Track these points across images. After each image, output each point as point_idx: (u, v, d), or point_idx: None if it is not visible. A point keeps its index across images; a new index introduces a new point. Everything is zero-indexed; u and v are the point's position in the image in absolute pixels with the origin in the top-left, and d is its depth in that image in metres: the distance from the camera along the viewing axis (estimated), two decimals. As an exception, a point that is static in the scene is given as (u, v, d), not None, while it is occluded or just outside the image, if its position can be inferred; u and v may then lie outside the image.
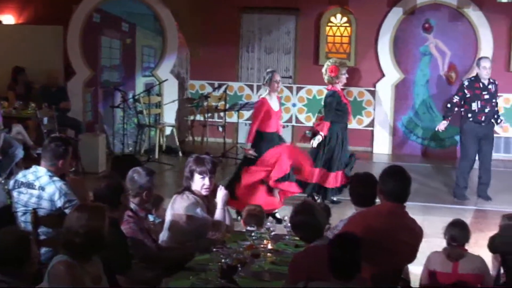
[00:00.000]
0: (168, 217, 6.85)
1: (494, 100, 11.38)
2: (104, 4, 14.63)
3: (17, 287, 4.80)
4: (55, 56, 14.35)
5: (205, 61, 15.98)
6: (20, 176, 6.78)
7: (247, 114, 14.92)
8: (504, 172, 13.30)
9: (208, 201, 6.96)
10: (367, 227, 5.54)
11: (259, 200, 9.65)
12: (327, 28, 15.65)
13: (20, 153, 11.05)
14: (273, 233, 6.62)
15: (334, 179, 10.88)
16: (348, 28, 15.59)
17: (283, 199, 10.23)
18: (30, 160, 10.60)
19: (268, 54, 16.05)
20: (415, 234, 5.81)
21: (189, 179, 6.94)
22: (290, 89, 15.81)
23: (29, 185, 6.62)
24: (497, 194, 11.44)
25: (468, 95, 11.32)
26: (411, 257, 5.81)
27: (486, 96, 11.30)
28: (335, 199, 11.03)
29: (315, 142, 10.80)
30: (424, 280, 6.33)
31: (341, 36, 15.64)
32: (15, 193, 6.71)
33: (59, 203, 6.53)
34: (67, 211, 6.31)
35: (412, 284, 6.43)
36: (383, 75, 15.42)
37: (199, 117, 15.89)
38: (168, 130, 15.01)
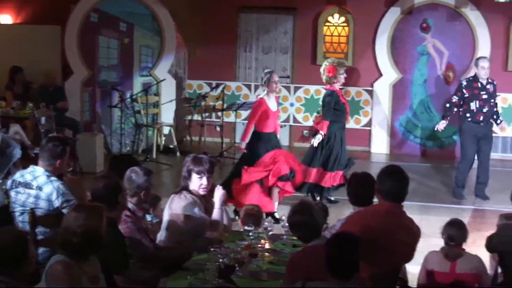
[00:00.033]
0: (165, 217, 6.85)
1: (492, 100, 11.39)
2: (102, 4, 14.61)
3: (15, 287, 4.80)
4: (53, 56, 14.35)
5: (203, 60, 15.98)
6: (18, 176, 6.78)
7: (244, 113, 14.90)
8: (502, 171, 13.30)
9: (205, 200, 6.96)
10: (365, 227, 5.55)
11: (254, 200, 9.66)
12: (325, 27, 15.64)
13: (18, 153, 11.03)
14: (270, 233, 6.63)
15: (332, 179, 10.88)
16: (346, 28, 15.59)
17: (281, 198, 10.23)
18: (27, 160, 10.57)
19: (265, 54, 16.04)
20: (413, 234, 5.82)
21: (186, 179, 6.94)
22: (287, 88, 15.80)
23: (27, 185, 6.62)
24: (495, 193, 11.44)
25: (466, 95, 11.34)
26: (409, 256, 5.82)
27: (485, 96, 11.31)
28: (332, 198, 11.04)
29: (315, 141, 10.79)
30: (422, 279, 6.34)
31: (339, 35, 15.64)
32: (12, 193, 6.71)
33: (56, 203, 6.53)
34: (64, 211, 6.31)
35: (410, 284, 6.43)
36: (380, 75, 15.42)
37: (196, 117, 15.88)
38: (166, 130, 15.00)
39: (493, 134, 11.89)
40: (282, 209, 9.92)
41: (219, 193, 6.94)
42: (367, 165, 13.35)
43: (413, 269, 6.50)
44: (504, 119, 11.82)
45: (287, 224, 6.09)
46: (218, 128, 15.13)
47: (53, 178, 6.62)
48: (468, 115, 11.34)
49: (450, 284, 6.16)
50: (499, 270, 6.54)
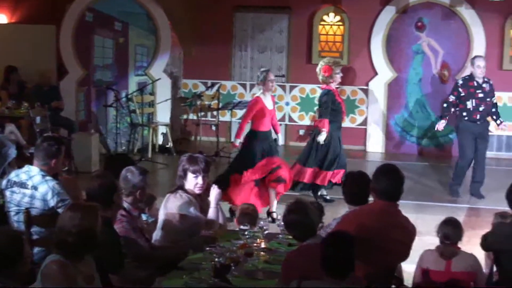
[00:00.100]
0: (161, 216, 6.85)
1: (488, 99, 11.40)
2: (97, 3, 14.59)
3: (10, 287, 4.79)
4: (48, 55, 14.32)
5: (198, 60, 15.99)
6: (13, 175, 6.77)
7: (240, 113, 14.89)
8: (497, 170, 13.31)
9: (201, 200, 6.96)
10: (360, 226, 5.56)
11: (246, 199, 9.69)
12: (320, 27, 15.66)
13: (13, 152, 11.01)
14: (266, 232, 6.62)
15: (329, 177, 10.88)
16: (341, 27, 15.60)
17: (279, 198, 10.25)
18: (23, 160, 10.57)
19: (261, 53, 16.04)
20: (408, 232, 5.83)
21: (182, 178, 6.94)
22: (283, 87, 15.81)
23: (22, 185, 6.62)
24: (490, 192, 11.45)
25: (462, 94, 11.36)
26: (404, 255, 5.83)
27: (481, 95, 11.33)
28: (328, 197, 11.03)
29: (322, 139, 10.78)
30: (417, 278, 6.34)
31: (334, 34, 15.65)
32: (7, 193, 6.70)
33: (52, 203, 6.53)
34: (60, 210, 6.31)
35: (405, 282, 6.44)
36: (376, 74, 15.44)
37: (192, 116, 15.88)
38: (161, 129, 14.99)
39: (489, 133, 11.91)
40: (278, 208, 9.93)
41: (214, 192, 6.95)
42: (362, 164, 13.35)
43: (408, 267, 6.51)
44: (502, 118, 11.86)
45: (282, 223, 6.08)
46: (213, 127, 15.13)
47: (48, 177, 6.62)
48: (464, 114, 11.36)
49: (446, 282, 6.16)
50: (494, 268, 6.55)
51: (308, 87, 15.67)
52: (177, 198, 6.81)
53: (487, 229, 6.81)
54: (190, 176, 6.89)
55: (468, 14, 14.86)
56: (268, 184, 10.19)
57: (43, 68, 13.81)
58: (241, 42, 16.08)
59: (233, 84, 16.12)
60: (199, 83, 16.15)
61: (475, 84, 11.36)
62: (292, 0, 15.66)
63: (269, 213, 10.12)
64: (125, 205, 6.35)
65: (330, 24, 15.62)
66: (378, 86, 15.43)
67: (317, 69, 11.09)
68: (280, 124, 15.16)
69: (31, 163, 6.78)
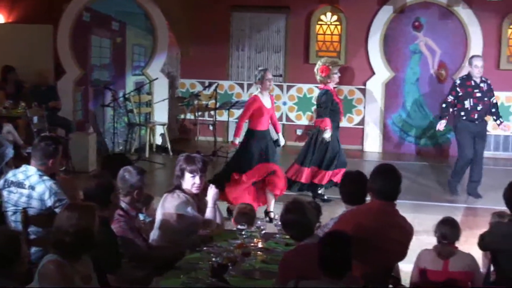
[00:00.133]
0: (158, 216, 6.85)
1: (486, 99, 11.41)
2: (94, 3, 14.58)
3: (7, 287, 4.79)
4: (45, 55, 14.31)
5: (196, 59, 15.99)
6: (10, 175, 6.77)
7: (237, 112, 14.89)
8: (494, 170, 13.31)
9: (198, 199, 6.96)
10: (358, 225, 5.56)
11: (244, 199, 9.68)
12: (317, 26, 15.66)
13: (10, 152, 11.01)
14: (263, 232, 6.63)
15: (329, 177, 10.88)
16: (338, 27, 15.60)
17: (277, 197, 10.25)
18: (20, 159, 10.57)
19: (258, 53, 16.05)
20: (406, 232, 5.83)
21: (179, 178, 6.95)
22: (280, 87, 15.81)
23: (19, 185, 6.61)
24: (487, 192, 11.45)
25: (460, 93, 11.38)
26: (402, 255, 5.83)
27: (478, 94, 11.35)
28: (325, 197, 11.03)
29: (327, 136, 10.80)
30: (415, 278, 6.33)
31: (331, 34, 15.66)
32: (5, 193, 6.70)
33: (49, 202, 6.53)
34: (57, 210, 6.31)
35: (402, 282, 6.43)
36: (373, 73, 15.45)
37: (189, 116, 15.88)
38: (158, 129, 14.99)
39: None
40: (275, 208, 9.93)
41: (212, 192, 6.95)
42: (360, 163, 13.35)
43: (406, 267, 6.51)
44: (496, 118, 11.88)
45: (279, 223, 6.08)
46: (211, 127, 15.13)
47: (45, 177, 6.62)
48: (462, 113, 11.38)
49: (443, 282, 6.16)
50: (492, 268, 6.55)
51: (305, 86, 15.67)
52: (174, 197, 6.81)
53: (484, 228, 6.81)
54: (187, 175, 6.89)
55: (465, 13, 14.87)
56: (266, 186, 10.18)
57: (40, 68, 13.79)
58: (238, 41, 16.09)
59: (230, 83, 16.13)
60: (196, 83, 16.16)
61: (473, 83, 11.37)
62: (289, 0, 15.66)
63: (267, 213, 10.12)
64: (123, 205, 6.35)
65: (328, 24, 15.63)
66: (376, 86, 15.44)
67: (315, 69, 11.10)
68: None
69: (28, 163, 6.78)
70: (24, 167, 6.74)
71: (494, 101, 11.58)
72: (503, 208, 6.73)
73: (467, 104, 11.35)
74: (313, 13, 15.60)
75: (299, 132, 15.73)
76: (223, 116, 15.45)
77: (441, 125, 11.62)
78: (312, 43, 15.64)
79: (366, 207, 6.03)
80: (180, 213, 6.71)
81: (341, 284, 4.91)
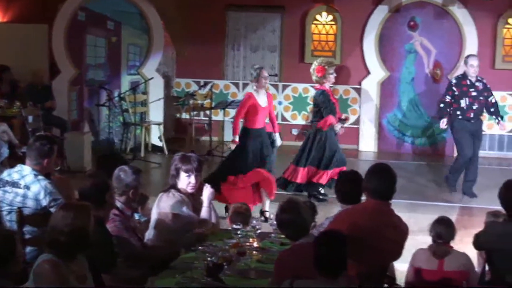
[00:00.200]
0: (154, 216, 6.85)
1: (481, 98, 11.42)
2: (89, 2, 14.58)
3: (2, 286, 4.78)
4: (41, 54, 14.29)
5: (191, 59, 15.96)
6: (5, 175, 6.76)
7: (233, 112, 14.85)
8: (489, 169, 13.33)
9: (194, 199, 6.96)
10: (353, 225, 5.56)
11: (243, 196, 9.69)
12: (313, 26, 15.66)
13: (5, 152, 11.01)
14: (259, 231, 6.63)
15: (329, 176, 10.87)
16: (334, 26, 15.60)
17: (273, 197, 10.25)
18: (15, 159, 10.56)
19: (254, 52, 16.04)
20: (401, 232, 5.84)
21: (175, 177, 6.95)
22: (276, 87, 15.80)
23: (14, 184, 6.61)
24: (482, 191, 11.46)
25: (456, 93, 11.39)
26: (397, 254, 5.84)
27: (474, 94, 11.36)
28: (321, 197, 11.02)
29: (338, 128, 10.88)
30: (410, 277, 6.34)
31: (327, 34, 15.65)
32: (0, 192, 6.69)
33: (44, 202, 6.52)
34: (52, 210, 6.30)
35: (397, 281, 6.44)
36: (368, 73, 15.45)
37: (185, 115, 15.88)
38: (154, 129, 14.97)
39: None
40: (271, 208, 9.93)
41: (207, 191, 6.95)
42: (355, 163, 13.34)
43: (401, 266, 6.51)
44: (491, 117, 11.89)
45: (275, 222, 6.09)
46: (206, 127, 15.12)
47: (40, 177, 6.61)
48: (458, 112, 11.39)
49: (438, 281, 6.17)
50: (487, 267, 6.56)
51: (300, 86, 15.67)
52: (169, 197, 6.82)
53: (479, 228, 6.82)
54: (183, 175, 6.90)
55: (460, 13, 14.88)
56: (261, 186, 10.19)
57: (35, 67, 13.78)
58: (233, 41, 16.07)
59: (225, 83, 16.11)
60: (191, 82, 16.14)
61: (468, 82, 11.39)
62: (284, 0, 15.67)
63: (262, 212, 10.12)
64: (118, 204, 6.35)
65: (323, 24, 15.62)
66: (371, 85, 15.44)
67: (311, 70, 11.10)
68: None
69: (23, 163, 6.77)
70: (19, 167, 6.73)
71: (493, 101, 11.58)
72: (498, 207, 6.74)
73: (462, 103, 11.36)
74: (309, 13, 15.60)
75: (294, 131, 15.72)
76: (218, 116, 15.43)
77: (443, 124, 11.60)
78: (308, 42, 15.64)
79: (362, 206, 6.03)
80: (175, 213, 6.72)
81: (336, 283, 4.91)
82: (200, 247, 5.86)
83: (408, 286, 6.36)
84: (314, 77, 11.05)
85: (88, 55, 14.67)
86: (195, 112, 15.53)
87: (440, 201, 11.35)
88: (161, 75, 15.37)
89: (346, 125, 15.17)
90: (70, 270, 4.88)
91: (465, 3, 14.78)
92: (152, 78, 14.85)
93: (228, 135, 13.76)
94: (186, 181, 6.89)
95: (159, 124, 14.80)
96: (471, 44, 14.81)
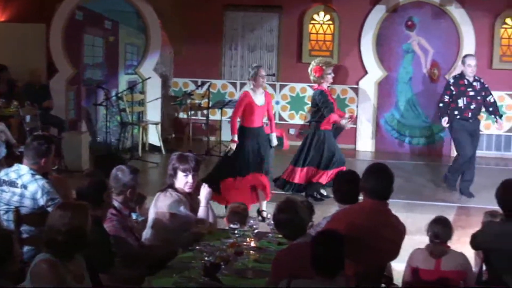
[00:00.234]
0: (151, 215, 6.85)
1: (479, 97, 11.42)
2: (87, 2, 14.57)
3: (-1, 286, 4.79)
4: (38, 54, 14.29)
5: (189, 58, 15.97)
6: (3, 174, 6.75)
7: (230, 111, 14.86)
8: (486, 169, 13.33)
9: (191, 198, 6.96)
10: (350, 224, 5.56)
11: (242, 197, 9.68)
12: (310, 26, 15.66)
13: (2, 151, 11.01)
14: (256, 231, 6.64)
15: (330, 176, 10.84)
16: (331, 26, 15.61)
17: (269, 198, 10.25)
18: (12, 158, 10.56)
19: (251, 52, 16.05)
20: (398, 231, 5.84)
21: (172, 177, 6.95)
22: (273, 86, 15.80)
23: (12, 184, 6.60)
24: (479, 191, 11.46)
25: (454, 92, 11.40)
26: (394, 254, 5.84)
27: (471, 93, 11.37)
28: (319, 196, 11.01)
29: (345, 122, 10.90)
30: (407, 277, 6.34)
31: (324, 34, 15.66)
32: (-3, 192, 6.69)
33: (41, 202, 6.52)
34: (49, 209, 6.30)
35: (395, 281, 6.44)
36: (366, 73, 15.45)
37: (182, 115, 15.88)
38: (151, 128, 14.96)
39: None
40: (268, 207, 9.93)
41: (204, 191, 6.95)
42: (352, 163, 13.34)
43: (398, 266, 6.51)
44: (488, 117, 11.89)
45: (272, 222, 6.09)
46: (204, 126, 15.12)
47: (38, 176, 6.61)
48: (456, 112, 11.39)
49: (435, 281, 6.17)
50: (484, 267, 6.56)
51: (298, 86, 15.67)
52: (167, 196, 6.82)
53: (476, 228, 6.82)
54: (180, 174, 6.90)
55: (458, 13, 14.89)
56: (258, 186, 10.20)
57: (33, 66, 13.77)
58: (231, 41, 16.08)
59: (223, 83, 16.12)
60: (189, 82, 16.14)
61: (466, 82, 11.40)
62: (282, -1, 15.70)
63: (259, 212, 10.12)
64: (116, 204, 6.35)
65: (320, 23, 15.63)
66: (368, 85, 15.44)
67: (309, 70, 11.09)
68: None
69: (21, 162, 6.77)
70: (16, 166, 6.73)
71: (492, 100, 11.57)
72: (496, 207, 6.74)
73: (460, 103, 11.37)
74: (306, 12, 15.60)
75: (292, 131, 15.72)
76: (216, 115, 15.43)
77: (445, 122, 11.57)
78: (305, 42, 15.64)
79: (359, 206, 6.03)
80: (172, 212, 6.72)
81: (333, 283, 4.91)
82: (197, 247, 5.85)
83: (405, 286, 6.36)
84: (312, 77, 11.05)
85: (85, 54, 14.66)
86: (192, 112, 15.53)
87: (437, 200, 11.36)
88: (158, 75, 15.37)
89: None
90: (67, 270, 4.88)
91: (462, 3, 14.80)
92: (149, 78, 14.84)
93: (225, 135, 13.78)
94: (183, 181, 6.90)
95: (156, 123, 14.80)
96: (469, 44, 14.82)
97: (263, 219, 9.56)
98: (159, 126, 14.80)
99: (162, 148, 14.53)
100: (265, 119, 10.51)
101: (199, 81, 15.75)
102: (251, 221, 6.78)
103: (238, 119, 10.25)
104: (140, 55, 15.27)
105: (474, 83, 11.42)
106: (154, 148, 14.77)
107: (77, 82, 14.56)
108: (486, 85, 11.56)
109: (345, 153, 12.72)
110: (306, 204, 6.60)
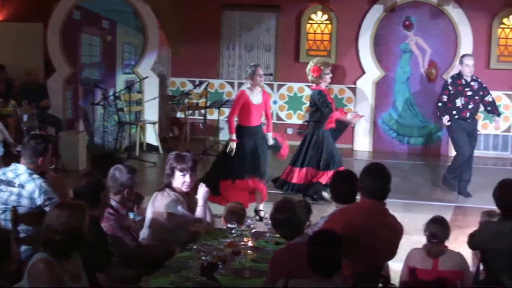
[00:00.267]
0: (148, 215, 6.85)
1: (477, 97, 11.44)
2: (84, 1, 14.56)
3: (-3, 285, 4.79)
4: (35, 53, 14.28)
5: (186, 58, 15.97)
6: (0, 173, 6.74)
7: (228, 111, 14.86)
8: (484, 169, 13.34)
9: (189, 198, 6.96)
10: (348, 224, 5.56)
11: (242, 197, 9.68)
12: (308, 25, 15.67)
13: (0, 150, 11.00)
14: (253, 230, 6.63)
15: (330, 177, 10.81)
16: (329, 26, 15.61)
17: (266, 198, 10.24)
18: (10, 158, 10.55)
19: (249, 52, 16.05)
20: (396, 231, 5.84)
21: (169, 176, 6.95)
22: (271, 86, 15.80)
23: (9, 183, 6.59)
24: (477, 191, 11.46)
25: (452, 92, 11.41)
26: (391, 253, 5.84)
27: (469, 93, 11.38)
28: (315, 196, 10.98)
29: (353, 120, 10.96)
30: (404, 276, 6.34)
31: (322, 33, 15.66)
32: (-6, 191, 6.69)
33: (39, 201, 6.51)
34: (47, 208, 6.29)
35: (392, 281, 6.44)
36: (363, 73, 15.46)
37: (180, 115, 15.87)
38: (148, 128, 14.96)
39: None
40: (266, 207, 9.93)
41: (202, 190, 6.95)
42: (350, 162, 13.34)
43: (395, 266, 6.51)
44: (486, 117, 11.90)
45: (269, 222, 6.08)
46: (201, 126, 15.12)
47: (35, 176, 6.60)
48: (454, 112, 11.40)
49: (432, 281, 6.17)
50: (481, 267, 6.56)
51: (296, 85, 15.68)
52: (164, 196, 6.81)
53: (474, 227, 6.82)
54: (177, 174, 6.89)
55: (455, 13, 14.90)
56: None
57: (30, 66, 13.76)
58: (229, 40, 16.08)
59: (221, 82, 16.12)
60: (187, 82, 16.14)
61: (463, 82, 11.41)
62: (280, -1, 15.70)
63: (257, 212, 10.11)
64: (113, 203, 6.34)
65: (318, 23, 15.64)
66: (366, 85, 15.45)
67: (307, 70, 11.11)
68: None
69: (18, 161, 6.76)
70: (13, 166, 6.72)
71: (490, 99, 11.58)
72: (493, 207, 6.74)
73: (458, 102, 11.38)
74: (304, 12, 15.61)
75: (289, 131, 15.71)
76: (213, 115, 15.43)
77: (446, 120, 11.56)
78: (303, 42, 15.65)
79: (356, 206, 6.03)
80: (170, 212, 6.71)
81: (330, 283, 4.91)
82: (194, 246, 5.85)
83: (402, 285, 6.36)
84: (310, 77, 11.06)
85: (83, 54, 14.67)
86: (190, 111, 15.52)
87: (434, 200, 11.36)
88: (156, 74, 15.37)
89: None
90: (64, 269, 4.87)
91: (460, 3, 14.81)
92: (147, 77, 14.84)
93: (223, 134, 13.78)
94: (181, 180, 6.89)
95: (154, 123, 14.80)
96: (466, 44, 14.83)
97: (261, 219, 9.54)
98: (156, 126, 14.80)
99: (160, 147, 14.53)
100: (263, 119, 10.49)
101: (197, 80, 15.73)
102: (249, 221, 6.77)
103: (236, 118, 10.23)
104: (137, 54, 15.27)
105: (472, 83, 11.44)
106: (151, 148, 14.77)
107: (75, 82, 14.56)
108: (484, 85, 11.56)
109: (343, 153, 12.74)
110: (304, 204, 6.61)
